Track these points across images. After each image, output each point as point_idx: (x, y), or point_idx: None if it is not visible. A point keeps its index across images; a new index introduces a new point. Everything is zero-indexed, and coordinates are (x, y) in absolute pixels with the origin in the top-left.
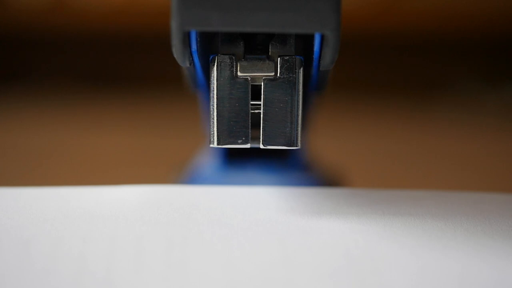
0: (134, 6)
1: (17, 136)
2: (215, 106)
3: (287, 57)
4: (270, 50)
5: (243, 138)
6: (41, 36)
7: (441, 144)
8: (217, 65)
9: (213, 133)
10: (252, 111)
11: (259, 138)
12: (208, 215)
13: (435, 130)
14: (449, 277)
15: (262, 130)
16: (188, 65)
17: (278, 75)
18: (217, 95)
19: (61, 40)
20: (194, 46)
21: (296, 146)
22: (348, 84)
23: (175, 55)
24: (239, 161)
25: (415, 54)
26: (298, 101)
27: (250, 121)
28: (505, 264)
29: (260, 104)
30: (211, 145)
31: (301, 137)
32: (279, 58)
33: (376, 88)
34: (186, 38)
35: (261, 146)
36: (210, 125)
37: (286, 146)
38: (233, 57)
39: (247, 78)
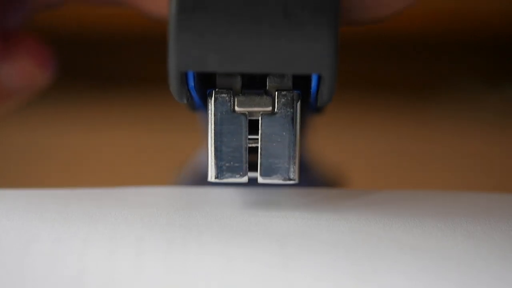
0: None
1: (17, 136)
2: (212, 141)
3: (285, 92)
4: (267, 84)
5: (241, 173)
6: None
7: (441, 145)
8: (214, 100)
9: (211, 168)
10: (250, 145)
11: (257, 171)
12: (208, 216)
13: (436, 130)
14: (449, 277)
15: (260, 165)
16: (185, 101)
17: (275, 110)
18: (214, 130)
19: (61, 40)
20: (191, 83)
21: (294, 181)
22: (348, 83)
23: (172, 93)
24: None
25: (415, 53)
26: (295, 136)
27: (247, 156)
28: (505, 264)
29: (258, 138)
30: (209, 180)
31: (298, 172)
32: (276, 93)
33: (376, 87)
34: (183, 78)
35: (259, 181)
36: (207, 159)
37: (284, 180)
38: (231, 92)
39: (245, 113)
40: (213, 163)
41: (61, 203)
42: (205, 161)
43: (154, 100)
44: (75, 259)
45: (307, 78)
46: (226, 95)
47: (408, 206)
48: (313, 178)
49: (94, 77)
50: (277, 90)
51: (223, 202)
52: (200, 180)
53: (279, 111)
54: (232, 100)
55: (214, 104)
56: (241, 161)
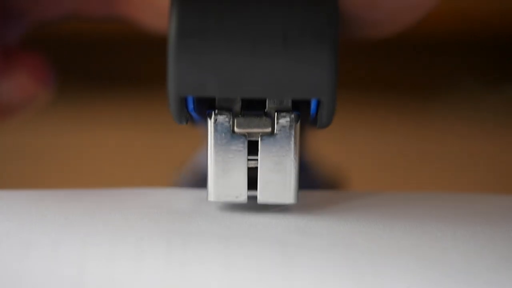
0: None
1: (17, 137)
2: (212, 161)
3: (284, 113)
4: (267, 105)
5: (240, 193)
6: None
7: (441, 145)
8: (213, 121)
9: (211, 188)
10: (250, 166)
11: (256, 190)
12: (208, 216)
13: (436, 130)
14: (449, 278)
15: (259, 186)
16: (185, 123)
17: (275, 131)
18: (214, 150)
19: (61, 40)
20: (191, 106)
21: (293, 202)
22: (348, 83)
23: (172, 115)
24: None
25: (415, 53)
26: (295, 157)
27: (247, 176)
28: (507, 265)
29: (257, 159)
30: (209, 200)
31: (297, 192)
32: (276, 114)
33: (377, 87)
34: (182, 102)
35: (258, 201)
36: (207, 179)
37: (282, 201)
38: (230, 113)
39: (244, 134)
40: (213, 184)
41: (61, 203)
42: (205, 161)
43: (154, 100)
44: (75, 259)
45: (307, 101)
46: (225, 116)
47: (408, 208)
48: (313, 179)
49: (94, 77)
50: (276, 111)
51: (222, 203)
52: (200, 180)
53: (279, 132)
54: (231, 121)
55: (214, 125)
56: (241, 182)
